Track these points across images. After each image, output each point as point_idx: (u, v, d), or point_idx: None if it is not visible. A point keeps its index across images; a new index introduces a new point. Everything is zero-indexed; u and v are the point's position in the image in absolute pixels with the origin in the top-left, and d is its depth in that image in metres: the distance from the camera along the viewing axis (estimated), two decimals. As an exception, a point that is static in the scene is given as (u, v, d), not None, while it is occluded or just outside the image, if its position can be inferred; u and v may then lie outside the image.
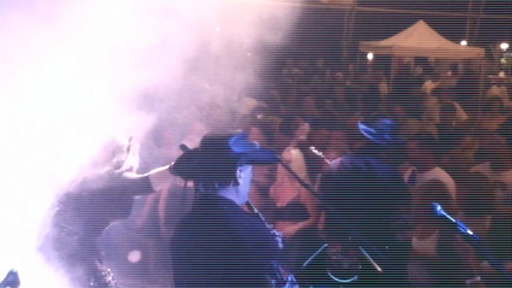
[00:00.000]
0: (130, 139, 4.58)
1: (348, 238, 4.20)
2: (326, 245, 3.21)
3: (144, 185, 4.31)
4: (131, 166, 4.50)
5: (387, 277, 4.03)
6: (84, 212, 4.32)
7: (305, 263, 3.11)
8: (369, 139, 5.32)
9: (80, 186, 4.31)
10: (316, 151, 6.16)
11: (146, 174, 4.36)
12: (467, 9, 21.12)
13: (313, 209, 6.03)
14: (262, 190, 6.54)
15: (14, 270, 3.10)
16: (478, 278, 4.58)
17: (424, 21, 16.97)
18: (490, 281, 4.54)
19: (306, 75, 14.05)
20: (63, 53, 4.41)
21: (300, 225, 6.08)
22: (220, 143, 3.26)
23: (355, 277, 3.12)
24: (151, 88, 7.87)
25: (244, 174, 3.30)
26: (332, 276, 3.07)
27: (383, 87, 12.63)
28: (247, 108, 9.54)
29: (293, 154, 6.30)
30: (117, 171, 4.38)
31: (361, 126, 5.38)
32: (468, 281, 4.68)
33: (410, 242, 5.31)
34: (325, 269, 3.25)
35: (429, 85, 15.23)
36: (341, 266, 4.11)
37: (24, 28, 4.24)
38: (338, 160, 5.59)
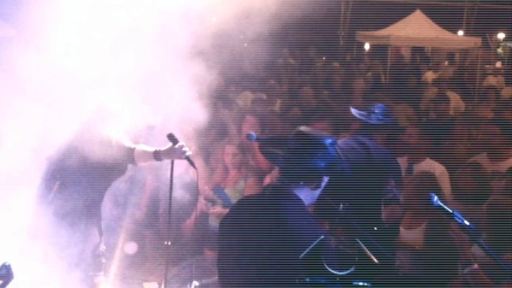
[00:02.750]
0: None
1: (339, 207, 4.22)
2: (322, 237, 3.23)
3: (129, 155, 4.37)
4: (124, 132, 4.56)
5: (380, 267, 4.06)
6: (83, 178, 4.34)
7: (302, 255, 3.12)
8: (361, 121, 5.37)
9: (76, 152, 4.33)
10: None
11: (133, 147, 4.41)
12: (464, -2, 21.11)
13: None
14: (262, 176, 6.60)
15: (6, 264, 3.08)
16: (476, 265, 4.59)
17: (421, 10, 16.93)
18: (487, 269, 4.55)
19: (302, 65, 14.04)
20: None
21: None
22: (317, 143, 3.28)
23: (352, 269, 3.13)
24: (148, 78, 7.86)
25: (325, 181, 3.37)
26: (328, 268, 3.07)
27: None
28: (245, 100, 9.55)
29: None
30: (108, 135, 4.43)
31: (353, 110, 5.45)
32: (466, 269, 4.69)
33: (397, 224, 5.34)
34: (322, 261, 3.25)
35: (429, 75, 15.25)
36: (338, 255, 4.13)
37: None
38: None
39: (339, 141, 5.61)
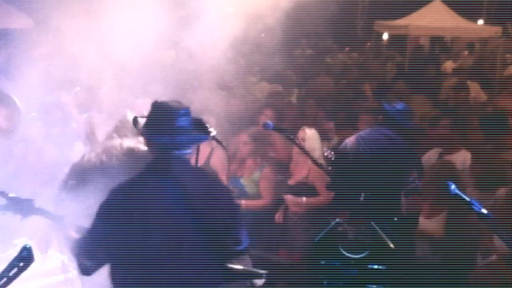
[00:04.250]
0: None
1: (360, 197, 4.24)
2: (337, 220, 3.24)
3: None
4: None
5: (396, 252, 4.06)
6: (97, 182, 4.38)
7: (317, 238, 3.15)
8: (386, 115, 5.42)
9: (95, 158, 4.37)
10: (327, 153, 6.19)
11: None
12: (484, -13, 20.86)
13: (323, 187, 6.07)
14: (279, 166, 6.57)
15: (28, 246, 3.09)
16: (494, 257, 4.56)
17: (441, 0, 16.76)
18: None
19: (320, 55, 13.97)
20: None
21: (309, 200, 6.16)
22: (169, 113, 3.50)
23: (366, 253, 3.16)
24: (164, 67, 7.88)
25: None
26: (343, 252, 3.10)
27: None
28: (262, 91, 9.54)
29: (308, 133, 6.36)
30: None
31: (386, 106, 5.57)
32: (484, 261, 4.66)
33: (417, 214, 5.33)
34: (337, 244, 3.28)
35: (449, 65, 15.11)
36: (351, 239, 4.14)
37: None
38: (356, 135, 5.67)
39: (362, 132, 5.63)
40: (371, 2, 19.45)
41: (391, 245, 3.00)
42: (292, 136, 4.41)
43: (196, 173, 3.51)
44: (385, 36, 18.80)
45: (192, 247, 3.23)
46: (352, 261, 3.27)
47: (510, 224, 4.62)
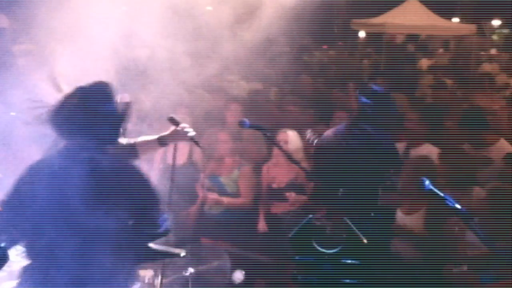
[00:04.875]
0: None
1: (339, 192, 4.26)
2: (311, 216, 3.27)
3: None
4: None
5: (371, 247, 4.11)
6: None
7: (291, 234, 3.19)
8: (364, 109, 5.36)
9: None
10: (310, 135, 6.19)
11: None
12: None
13: (307, 188, 6.09)
14: (256, 167, 6.60)
15: (2, 245, 3.14)
16: (465, 268, 4.65)
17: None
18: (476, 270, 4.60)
19: (297, 53, 14.03)
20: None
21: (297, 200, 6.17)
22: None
23: (340, 248, 3.20)
24: (145, 65, 7.88)
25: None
26: (317, 247, 3.14)
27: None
28: (239, 89, 9.55)
29: (290, 135, 6.33)
30: None
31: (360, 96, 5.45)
32: (455, 269, 4.75)
33: (393, 210, 5.38)
34: (310, 239, 3.31)
35: (424, 62, 15.25)
36: (326, 234, 4.17)
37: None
38: (333, 128, 5.62)
39: (339, 126, 5.61)
40: (347, 1, 19.57)
41: (365, 240, 3.06)
42: (268, 134, 4.43)
43: (109, 161, 3.47)
44: (362, 34, 18.95)
45: (104, 231, 3.24)
46: (326, 256, 3.31)
47: (487, 221, 4.74)
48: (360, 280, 3.78)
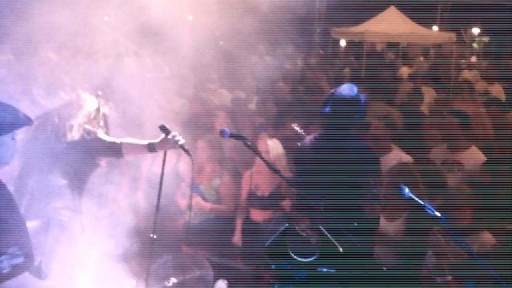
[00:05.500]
0: (97, 95, 4.73)
1: (320, 207, 4.27)
2: (287, 224, 3.28)
3: (115, 149, 4.46)
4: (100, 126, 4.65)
5: (349, 255, 4.11)
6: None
7: (267, 242, 3.18)
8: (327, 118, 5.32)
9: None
10: (297, 128, 6.19)
11: (119, 141, 4.49)
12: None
13: (290, 196, 6.01)
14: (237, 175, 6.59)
15: None
16: (449, 277, 4.68)
17: (396, 6, 17.02)
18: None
19: (277, 62, 14.05)
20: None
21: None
22: None
23: (316, 256, 3.21)
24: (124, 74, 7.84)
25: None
26: (293, 255, 3.14)
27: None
28: (221, 98, 9.56)
29: (270, 144, 6.31)
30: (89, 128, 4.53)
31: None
32: (439, 279, 4.77)
33: (377, 219, 5.40)
34: (287, 248, 3.31)
35: (405, 70, 15.33)
36: (304, 243, 4.17)
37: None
38: (311, 136, 5.61)
39: (315, 134, 5.60)
40: (328, 9, 19.64)
41: (340, 249, 3.07)
42: (249, 143, 4.44)
43: None
44: (343, 42, 19.04)
45: None
46: (302, 264, 3.31)
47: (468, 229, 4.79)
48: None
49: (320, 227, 3.19)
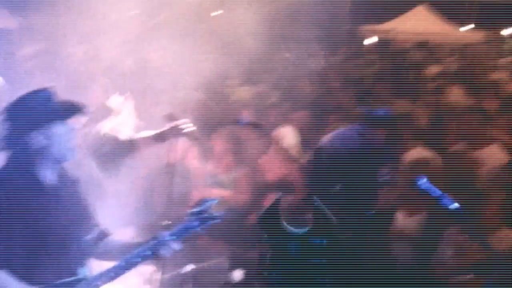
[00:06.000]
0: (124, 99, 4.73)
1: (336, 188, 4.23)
2: (281, 193, 3.27)
3: (128, 146, 4.46)
4: (127, 126, 4.66)
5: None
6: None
7: (260, 213, 3.20)
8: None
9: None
10: None
11: (128, 137, 4.49)
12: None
13: (299, 184, 6.00)
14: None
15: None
16: (470, 276, 4.59)
17: (425, 4, 16.88)
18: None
19: (298, 59, 13.99)
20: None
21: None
22: None
23: (309, 228, 3.19)
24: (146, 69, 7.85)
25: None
26: (286, 226, 3.13)
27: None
28: (242, 93, 9.56)
29: (282, 131, 6.31)
30: (109, 131, 4.54)
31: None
32: (460, 278, 4.69)
33: (392, 211, 5.32)
34: (280, 219, 3.30)
35: (433, 69, 15.14)
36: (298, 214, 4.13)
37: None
38: (330, 134, 5.64)
39: (337, 130, 5.62)
40: (355, 7, 19.53)
41: (333, 219, 3.04)
42: (266, 131, 4.45)
43: None
44: (371, 40, 18.86)
45: None
46: (295, 235, 3.30)
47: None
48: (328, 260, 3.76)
49: (315, 198, 3.15)
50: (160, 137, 4.57)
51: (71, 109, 3.44)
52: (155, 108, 6.99)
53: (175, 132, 4.52)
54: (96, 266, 3.59)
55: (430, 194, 3.41)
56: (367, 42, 18.08)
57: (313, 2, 13.25)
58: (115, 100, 4.84)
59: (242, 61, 10.19)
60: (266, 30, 9.63)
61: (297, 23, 13.01)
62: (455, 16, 17.87)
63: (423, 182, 3.41)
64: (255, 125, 4.25)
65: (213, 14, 11.12)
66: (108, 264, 3.48)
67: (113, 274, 3.33)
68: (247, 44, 10.86)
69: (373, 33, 17.76)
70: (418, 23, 16.10)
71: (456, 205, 3.40)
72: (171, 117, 4.52)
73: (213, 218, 3.64)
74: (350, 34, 18.36)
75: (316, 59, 14.05)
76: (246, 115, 7.27)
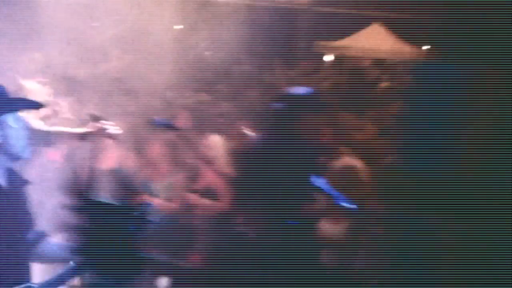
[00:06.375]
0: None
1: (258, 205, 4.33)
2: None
3: (44, 137, 4.32)
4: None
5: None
6: None
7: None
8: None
9: None
10: (247, 131, 6.27)
11: (48, 128, 4.45)
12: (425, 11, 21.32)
13: (225, 193, 6.11)
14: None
15: None
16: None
17: (380, 23, 17.20)
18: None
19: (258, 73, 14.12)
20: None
21: (207, 202, 6.25)
22: None
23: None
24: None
25: None
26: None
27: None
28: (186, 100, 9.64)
29: (211, 140, 6.38)
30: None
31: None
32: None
33: (316, 220, 5.47)
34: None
35: (384, 85, 15.40)
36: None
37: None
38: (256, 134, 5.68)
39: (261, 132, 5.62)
40: (311, 23, 19.73)
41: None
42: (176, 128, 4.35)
43: None
44: (328, 58, 19.16)
45: None
46: None
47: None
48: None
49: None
50: (83, 136, 4.36)
51: (26, 103, 3.38)
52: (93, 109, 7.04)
53: (99, 133, 4.33)
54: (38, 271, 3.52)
55: (326, 193, 3.60)
56: (326, 58, 18.37)
57: (268, 16, 13.45)
58: (32, 84, 4.75)
59: (196, 71, 10.33)
60: (226, 44, 9.82)
61: (259, 37, 13.18)
62: (410, 33, 18.20)
63: (319, 180, 3.59)
64: (168, 126, 4.23)
65: (175, 27, 11.26)
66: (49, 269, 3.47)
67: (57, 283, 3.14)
68: (205, 56, 11.11)
69: (330, 49, 18.01)
70: (372, 41, 16.38)
71: (350, 206, 3.61)
72: (94, 117, 4.41)
73: (151, 222, 3.26)
74: (308, 50, 18.62)
75: (273, 73, 14.28)
76: (187, 118, 7.29)
